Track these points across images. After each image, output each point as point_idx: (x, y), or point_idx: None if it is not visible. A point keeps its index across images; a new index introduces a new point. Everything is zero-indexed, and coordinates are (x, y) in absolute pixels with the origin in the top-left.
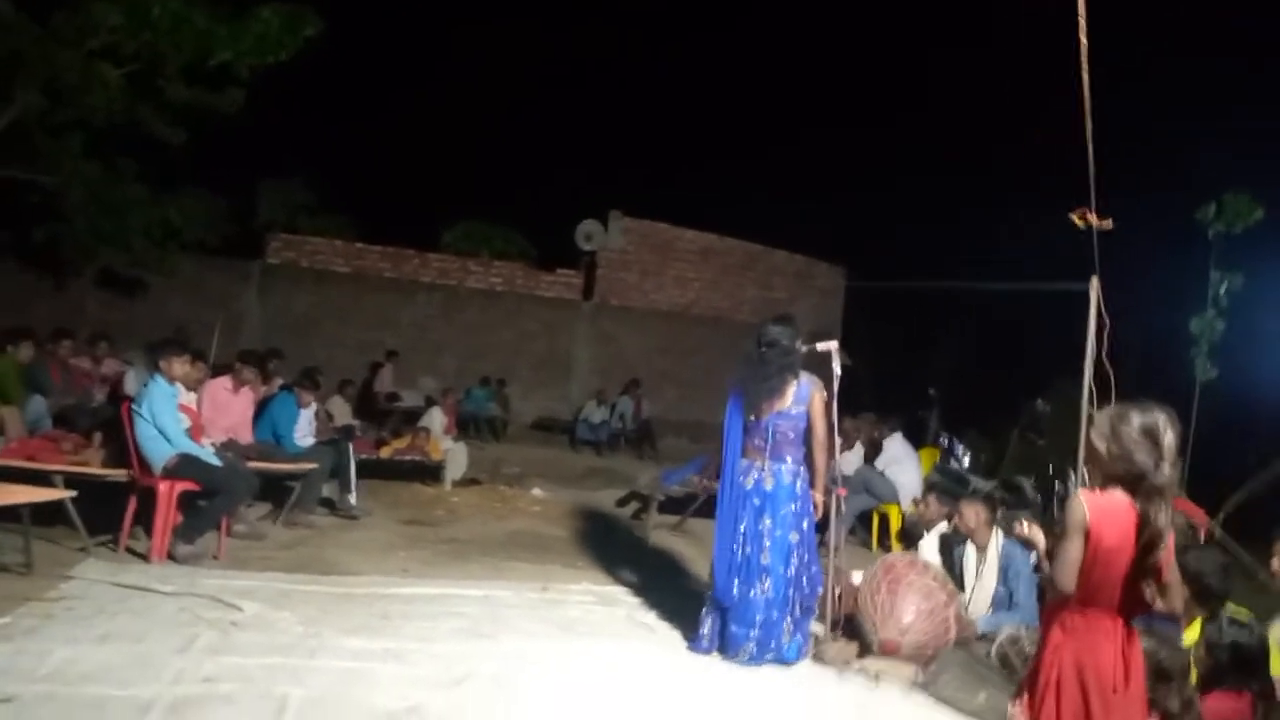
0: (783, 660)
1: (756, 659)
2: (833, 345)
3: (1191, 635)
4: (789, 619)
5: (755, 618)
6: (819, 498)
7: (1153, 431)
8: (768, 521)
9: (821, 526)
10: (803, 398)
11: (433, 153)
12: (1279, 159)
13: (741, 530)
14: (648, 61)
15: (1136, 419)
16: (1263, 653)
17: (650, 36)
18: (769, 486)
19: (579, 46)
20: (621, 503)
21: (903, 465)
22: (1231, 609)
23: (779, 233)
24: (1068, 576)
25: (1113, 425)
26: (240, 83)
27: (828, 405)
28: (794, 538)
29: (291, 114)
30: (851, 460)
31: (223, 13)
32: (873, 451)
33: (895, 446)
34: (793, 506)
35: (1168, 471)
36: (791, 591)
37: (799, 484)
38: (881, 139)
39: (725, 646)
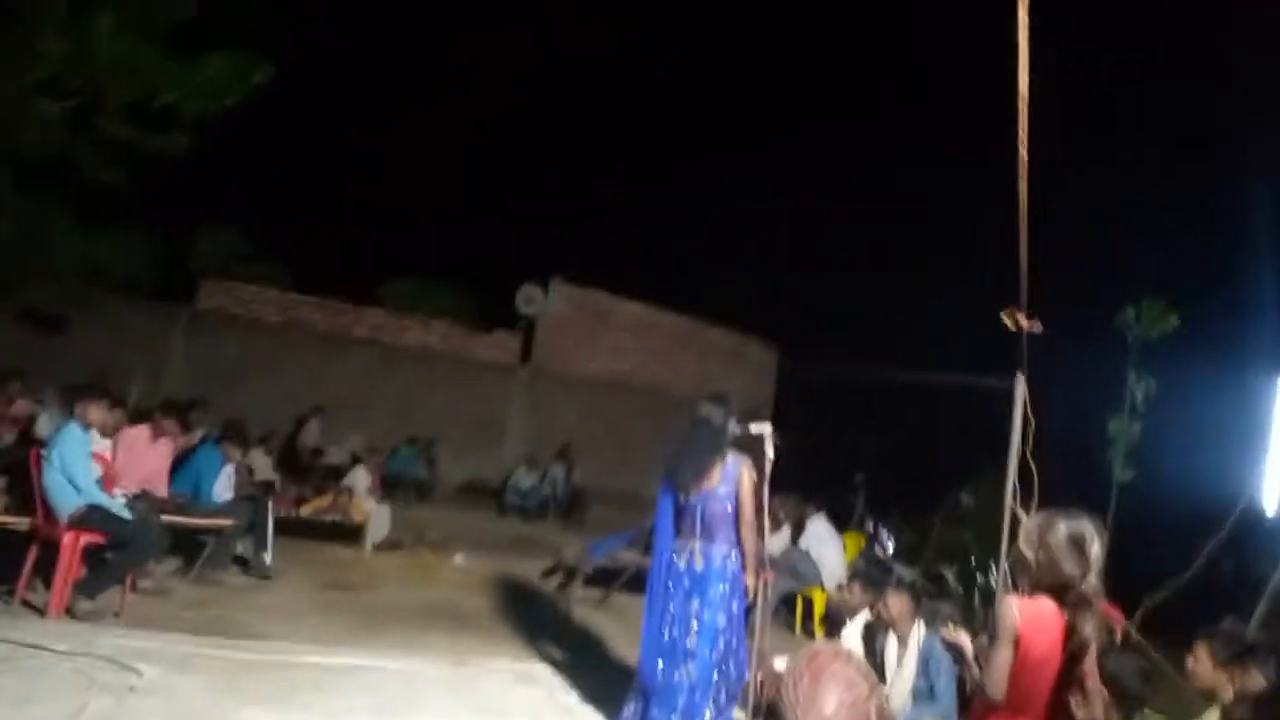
0: None
1: None
2: (766, 428)
3: None
4: (711, 705)
5: (678, 701)
6: (750, 580)
7: (1080, 541)
8: (696, 603)
9: (748, 610)
10: (730, 477)
11: (374, 206)
12: (1193, 267)
13: (670, 611)
14: (592, 123)
15: (1063, 528)
16: None
17: (596, 98)
18: (699, 567)
19: (525, 103)
20: (546, 574)
21: (825, 546)
22: (1148, 715)
23: (715, 306)
24: (998, 683)
25: (1040, 534)
26: (184, 125)
27: (758, 487)
28: (721, 620)
29: (232, 158)
30: (778, 542)
31: (171, 54)
32: (796, 532)
33: (818, 526)
34: (722, 588)
35: (1094, 581)
36: (716, 676)
37: (729, 566)
38: (818, 224)
39: None
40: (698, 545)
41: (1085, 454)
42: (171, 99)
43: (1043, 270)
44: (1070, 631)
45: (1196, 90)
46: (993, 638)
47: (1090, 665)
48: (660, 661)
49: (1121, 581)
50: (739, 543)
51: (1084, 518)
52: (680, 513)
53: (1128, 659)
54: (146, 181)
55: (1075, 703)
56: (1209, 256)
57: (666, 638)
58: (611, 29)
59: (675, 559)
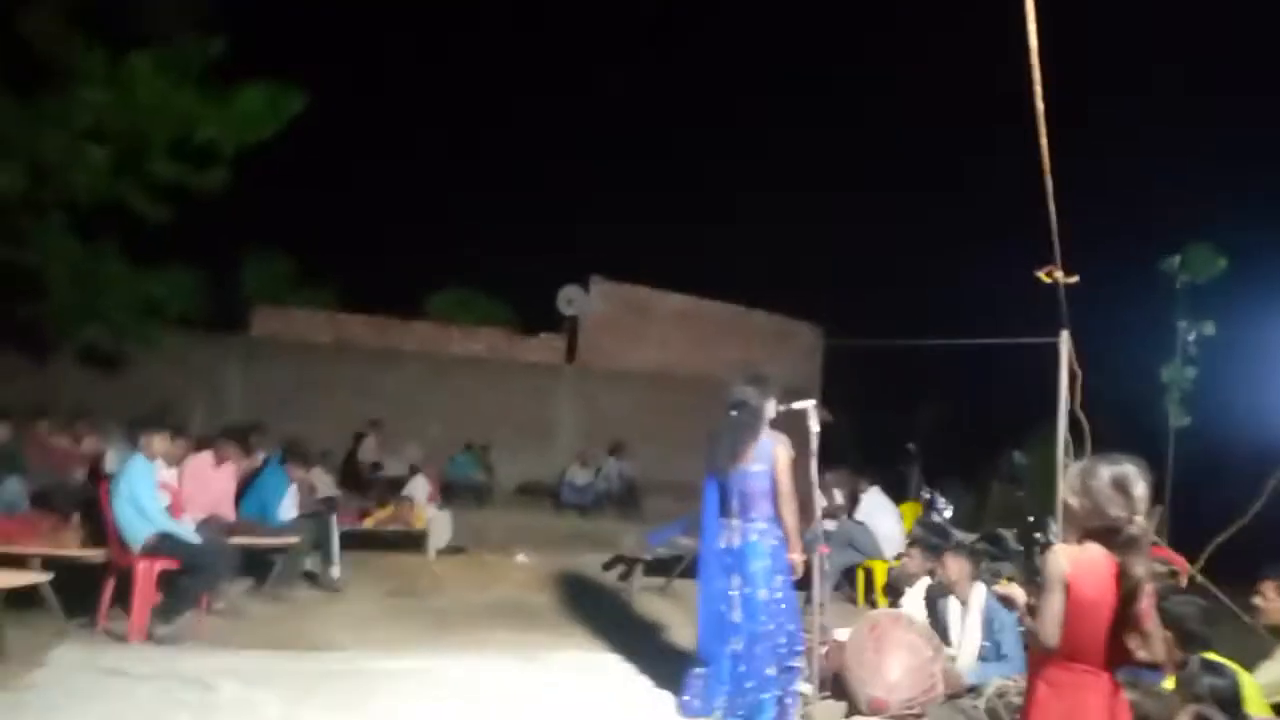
0: None
1: (729, 715)
2: (809, 404)
3: (1170, 683)
4: (756, 679)
5: (727, 675)
6: (796, 557)
7: (1123, 484)
8: (738, 580)
9: (804, 584)
10: (765, 455)
11: (414, 221)
12: (1239, 210)
13: (719, 589)
14: (624, 126)
15: (1106, 473)
16: (1236, 696)
17: (625, 105)
18: (737, 544)
19: (557, 112)
20: (607, 566)
21: (881, 517)
22: (1212, 657)
23: (758, 293)
24: (1051, 631)
25: (1083, 481)
26: (224, 160)
27: (804, 463)
28: (763, 595)
29: (273, 185)
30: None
31: (208, 91)
32: (852, 505)
33: (873, 498)
34: (761, 564)
35: (1141, 522)
36: (760, 650)
37: (767, 541)
38: (852, 198)
39: (707, 705)
40: (736, 523)
41: (1139, 403)
42: (210, 134)
43: (1083, 223)
44: (1122, 574)
45: (1235, 27)
46: (1043, 587)
47: (1148, 607)
48: (713, 637)
49: (1185, 526)
50: (779, 519)
51: (1126, 460)
52: (723, 493)
53: (1189, 601)
54: (193, 216)
55: (1135, 645)
56: (1253, 198)
57: (717, 615)
58: (623, 22)
59: (718, 538)
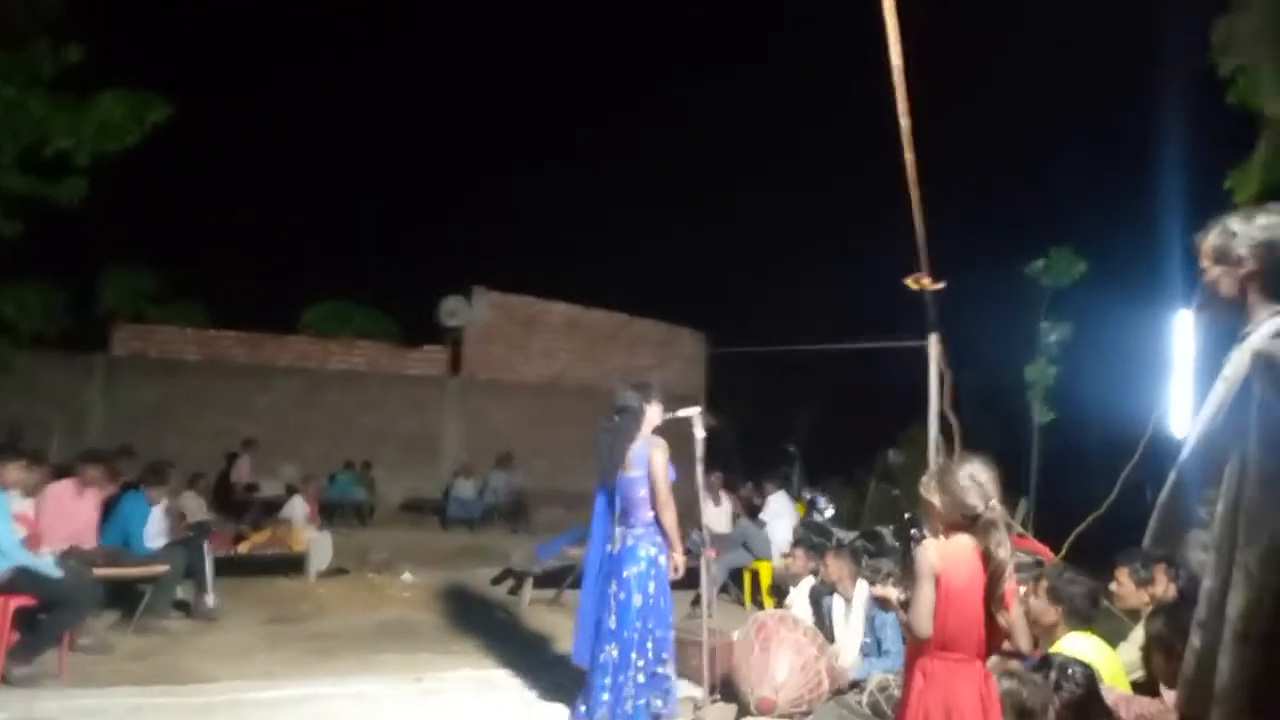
0: None
1: None
2: (694, 411)
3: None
4: (630, 685)
5: (605, 681)
6: (678, 558)
7: (975, 476)
8: (614, 585)
9: (686, 585)
10: (641, 460)
11: (287, 233)
12: (1096, 215)
13: (597, 594)
14: (501, 133)
15: (958, 469)
16: (1090, 696)
17: (503, 115)
18: (615, 550)
19: (435, 123)
20: (497, 581)
21: (781, 521)
22: (1065, 652)
23: (642, 301)
24: (924, 622)
25: (941, 480)
26: (80, 171)
27: (687, 469)
28: (637, 600)
29: (135, 198)
30: (719, 518)
31: (63, 99)
32: (749, 508)
33: (779, 501)
34: (635, 569)
35: (996, 505)
36: (634, 655)
37: (645, 546)
38: (732, 206)
39: (589, 713)
40: (617, 529)
41: (1004, 401)
42: (65, 144)
43: (949, 230)
44: (986, 557)
45: (1086, 32)
46: (915, 579)
47: (1012, 590)
48: (589, 644)
49: (1048, 517)
50: (658, 524)
51: (972, 456)
52: (609, 499)
53: (1079, 581)
54: (47, 230)
55: (1007, 626)
56: (1110, 202)
57: (594, 621)
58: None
59: (602, 545)
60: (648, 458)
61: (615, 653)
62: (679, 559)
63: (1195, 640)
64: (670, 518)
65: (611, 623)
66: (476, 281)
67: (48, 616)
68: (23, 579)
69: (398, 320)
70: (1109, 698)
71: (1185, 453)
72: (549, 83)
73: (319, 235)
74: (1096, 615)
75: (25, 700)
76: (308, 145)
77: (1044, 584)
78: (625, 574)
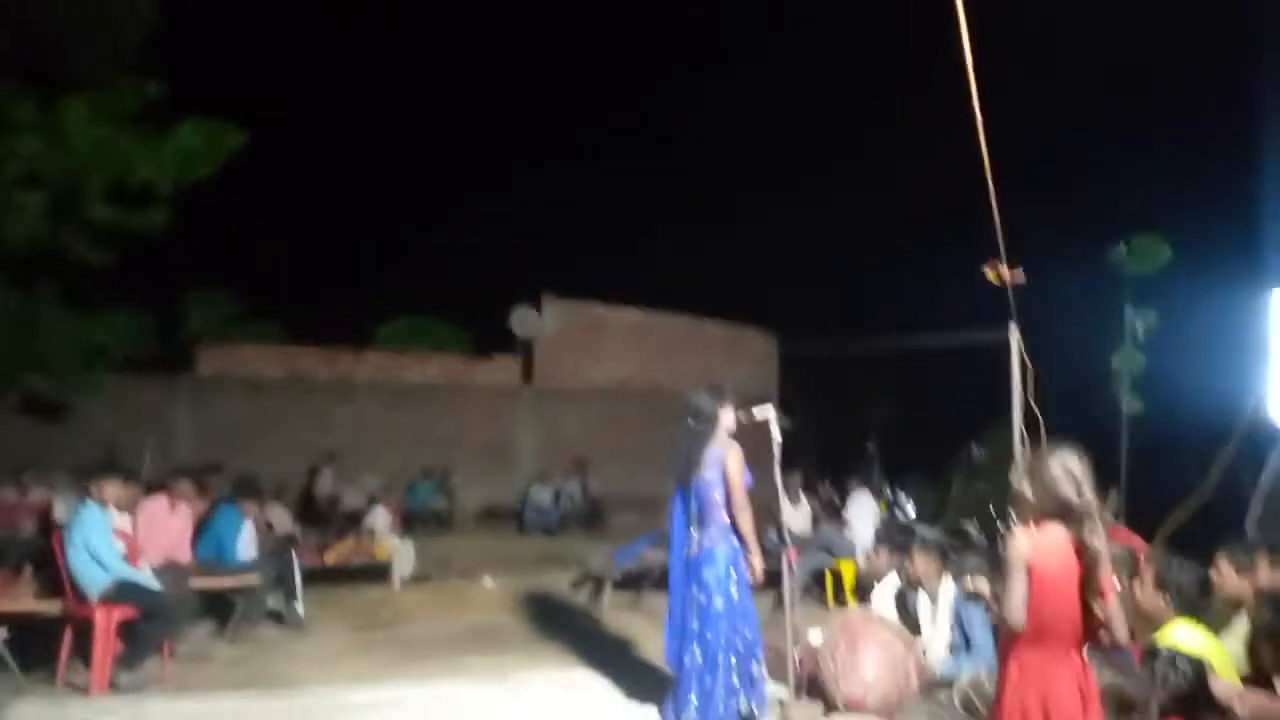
0: None
1: None
2: (769, 411)
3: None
4: (722, 688)
5: (692, 684)
6: (755, 561)
7: (1067, 465)
8: (695, 589)
9: (766, 586)
10: (715, 462)
11: (360, 251)
12: (1184, 201)
13: (681, 597)
14: (570, 145)
15: (1051, 459)
16: (1200, 688)
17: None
18: (694, 553)
19: (500, 135)
20: (576, 585)
21: (864, 520)
22: (1170, 642)
23: (710, 303)
24: (1016, 611)
25: (1032, 470)
26: (163, 200)
27: (765, 471)
28: (719, 604)
29: (215, 223)
30: (798, 518)
31: (144, 131)
32: (830, 509)
33: (861, 501)
34: (714, 572)
35: (1089, 496)
36: (723, 658)
37: (722, 549)
38: (800, 204)
39: (677, 716)
40: (695, 533)
41: (1091, 391)
42: (148, 175)
43: (1030, 219)
44: (1081, 547)
45: (1182, 19)
46: (1005, 570)
47: (1108, 583)
48: (677, 647)
49: (1140, 509)
50: (734, 527)
51: (1064, 447)
52: (686, 503)
53: (1187, 567)
54: (134, 258)
55: (1104, 616)
56: (1195, 186)
57: (681, 624)
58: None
59: (682, 548)
60: (722, 460)
61: (700, 656)
62: (756, 563)
63: None
64: (746, 522)
65: (695, 625)
66: (545, 290)
67: (148, 626)
68: (125, 591)
69: (469, 331)
70: (1225, 692)
71: None
72: (617, 86)
73: (392, 252)
74: (1206, 605)
75: (133, 705)
76: (375, 166)
77: (1150, 573)
78: (705, 577)
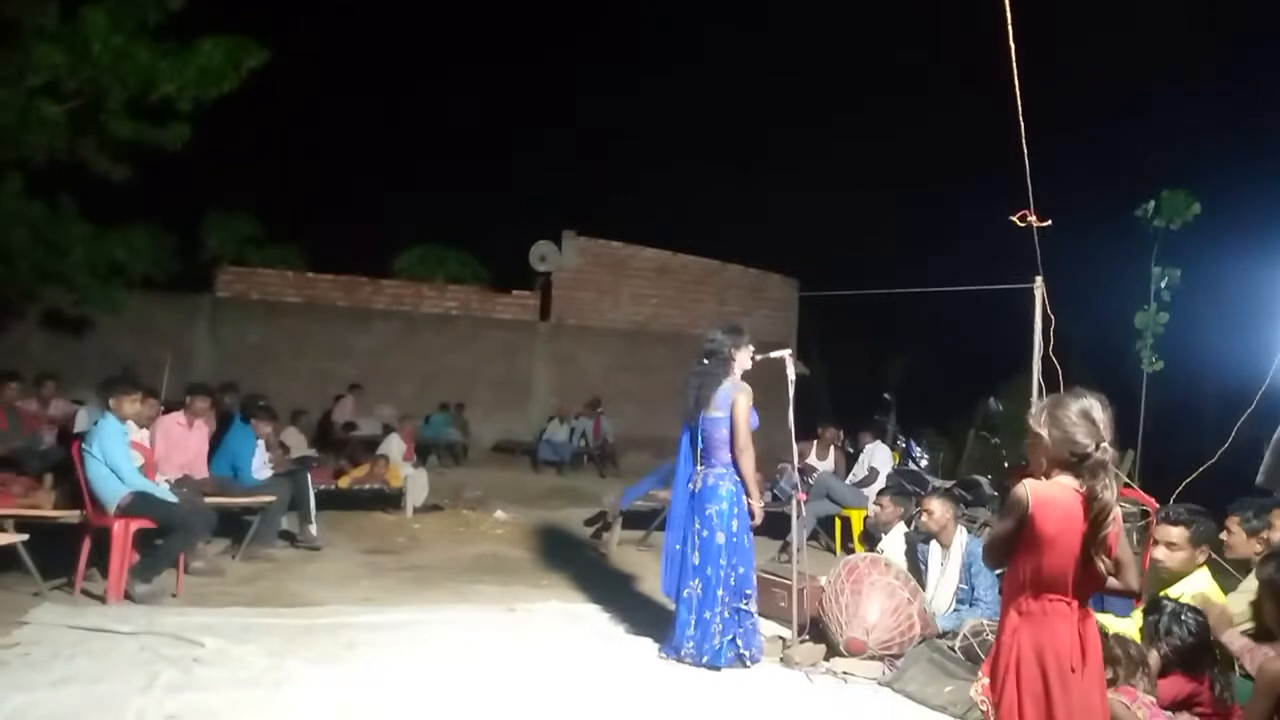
0: (713, 665)
1: (695, 659)
2: (786, 353)
3: (1138, 619)
4: (718, 621)
5: (690, 617)
6: (754, 504)
7: (1089, 413)
8: (697, 523)
9: (773, 530)
10: (724, 402)
11: (382, 179)
12: (1213, 156)
13: (681, 531)
14: (597, 82)
15: (1073, 404)
16: (1205, 644)
17: (599, 61)
18: (697, 488)
19: (529, 70)
20: (591, 522)
21: (879, 470)
22: (1175, 596)
23: (732, 246)
24: (996, 554)
25: (1051, 412)
26: (184, 116)
27: (778, 412)
28: (720, 539)
29: (236, 145)
30: (822, 463)
31: (165, 46)
32: (846, 457)
33: (879, 451)
34: (716, 507)
35: (1108, 447)
36: (720, 593)
37: (725, 486)
38: (825, 148)
39: (675, 648)
40: (700, 469)
41: (1112, 348)
42: (169, 90)
43: (1057, 169)
44: (1090, 498)
45: None
46: (1002, 514)
47: (1118, 533)
48: (674, 579)
49: (1157, 469)
50: (736, 467)
51: (1089, 393)
52: (693, 439)
53: (1202, 512)
54: (154, 176)
55: (1108, 569)
56: (1227, 143)
57: (679, 556)
58: None
59: (686, 484)
60: (732, 400)
61: (700, 589)
62: (756, 506)
63: None
64: (748, 464)
65: (695, 559)
66: (566, 226)
67: (164, 539)
68: (141, 503)
69: (488, 265)
70: (1234, 644)
71: None
72: (648, 25)
73: (413, 181)
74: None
75: (147, 615)
76: (402, 91)
77: (1189, 530)
78: (708, 511)
